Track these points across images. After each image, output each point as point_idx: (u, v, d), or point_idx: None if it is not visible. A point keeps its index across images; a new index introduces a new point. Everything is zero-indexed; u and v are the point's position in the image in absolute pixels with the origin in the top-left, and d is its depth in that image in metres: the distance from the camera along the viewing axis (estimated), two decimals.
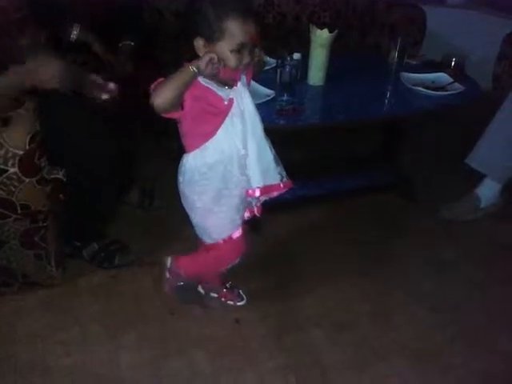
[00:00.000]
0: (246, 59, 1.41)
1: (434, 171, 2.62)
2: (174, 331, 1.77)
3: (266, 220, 2.16)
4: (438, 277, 2.07)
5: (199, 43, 1.41)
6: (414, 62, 2.40)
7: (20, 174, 1.57)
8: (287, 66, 1.97)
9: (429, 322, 1.87)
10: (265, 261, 2.05)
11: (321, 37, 2.05)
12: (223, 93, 1.46)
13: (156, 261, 1.99)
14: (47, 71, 1.59)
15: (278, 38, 2.39)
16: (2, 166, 1.54)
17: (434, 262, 2.14)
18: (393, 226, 2.35)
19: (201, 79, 1.41)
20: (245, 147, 1.51)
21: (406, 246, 2.22)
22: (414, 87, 2.17)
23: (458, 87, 2.20)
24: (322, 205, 2.39)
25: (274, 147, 1.59)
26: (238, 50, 1.38)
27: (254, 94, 1.95)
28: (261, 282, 1.97)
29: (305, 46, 2.10)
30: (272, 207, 2.22)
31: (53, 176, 1.73)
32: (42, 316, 1.79)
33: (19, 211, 1.65)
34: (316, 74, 2.11)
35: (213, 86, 1.44)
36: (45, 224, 1.76)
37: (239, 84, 1.48)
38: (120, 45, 2.08)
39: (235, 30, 1.36)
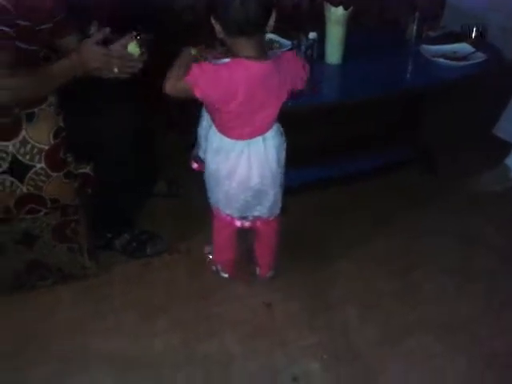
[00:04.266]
0: None
1: (458, 144, 2.57)
2: (205, 315, 1.80)
3: (289, 202, 2.18)
4: (465, 250, 2.05)
5: (217, 27, 1.45)
6: (434, 34, 2.35)
7: (47, 169, 1.61)
8: (303, 47, 1.97)
9: (457, 296, 1.86)
10: (290, 243, 2.05)
11: (336, 14, 2.02)
12: None
13: (186, 248, 2.04)
14: (95, 57, 1.63)
15: (293, 19, 2.36)
16: (29, 162, 1.58)
17: (462, 235, 2.12)
18: (417, 201, 2.32)
19: None
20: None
21: (432, 220, 2.21)
22: (434, 59, 2.13)
23: (480, 56, 2.15)
24: (344, 185, 2.37)
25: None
26: None
27: None
28: (289, 264, 1.98)
29: (321, 26, 2.08)
30: (294, 189, 2.25)
31: (80, 171, 1.78)
32: (79, 306, 1.85)
33: (49, 205, 1.69)
34: (333, 53, 2.09)
35: None
36: (75, 217, 1.81)
37: None
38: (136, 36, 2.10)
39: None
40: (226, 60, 1.48)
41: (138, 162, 1.97)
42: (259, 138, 1.58)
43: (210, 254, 1.98)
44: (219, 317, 1.80)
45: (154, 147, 2.25)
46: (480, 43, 2.23)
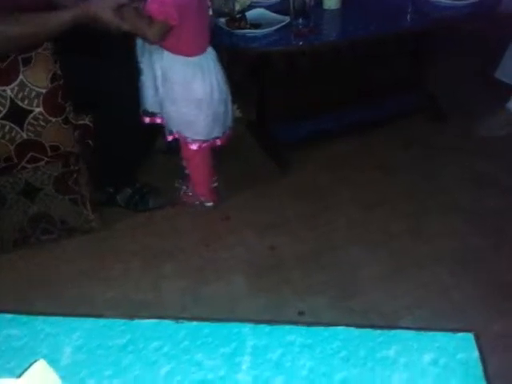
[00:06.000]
0: None
1: (460, 89, 2.55)
2: (211, 260, 1.81)
3: (294, 155, 2.18)
4: (475, 190, 2.03)
5: None
6: None
7: (45, 114, 1.60)
8: None
9: (469, 233, 1.85)
10: (295, 193, 2.06)
11: None
12: None
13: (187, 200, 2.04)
14: (104, 6, 1.58)
15: None
16: (28, 107, 1.58)
17: (471, 177, 2.10)
18: (424, 147, 2.30)
19: None
20: None
21: (440, 164, 2.18)
22: None
23: None
24: (349, 136, 2.34)
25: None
26: None
27: (268, 21, 1.97)
28: (294, 209, 1.98)
29: None
30: (298, 142, 2.24)
31: (80, 122, 1.77)
32: (84, 258, 1.85)
33: (49, 153, 1.69)
34: None
35: None
36: (76, 167, 1.80)
37: None
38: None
39: None
40: None
41: (138, 116, 1.95)
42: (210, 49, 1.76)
43: (187, 192, 2.01)
44: (225, 261, 1.80)
45: None
46: None
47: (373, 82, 2.45)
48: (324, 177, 2.16)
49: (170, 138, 1.89)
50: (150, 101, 1.83)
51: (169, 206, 2.05)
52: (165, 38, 1.66)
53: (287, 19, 1.95)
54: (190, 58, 1.73)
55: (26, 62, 1.56)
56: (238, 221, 1.96)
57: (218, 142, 1.89)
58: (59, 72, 1.61)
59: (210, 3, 1.86)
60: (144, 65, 1.79)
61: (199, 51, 1.75)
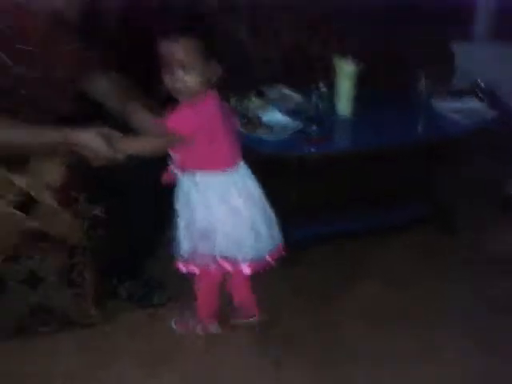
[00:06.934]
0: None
1: (471, 202, 2.53)
2: (212, 370, 1.74)
3: (299, 254, 2.15)
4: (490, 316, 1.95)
5: None
6: (444, 90, 2.39)
7: (56, 206, 1.62)
8: (314, 98, 2.01)
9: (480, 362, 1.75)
10: (298, 296, 2.03)
11: (346, 69, 2.09)
12: None
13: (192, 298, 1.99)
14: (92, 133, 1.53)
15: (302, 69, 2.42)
16: (38, 197, 1.59)
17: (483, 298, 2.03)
18: (434, 260, 2.25)
19: None
20: None
21: (450, 280, 2.13)
22: (445, 114, 2.17)
23: (491, 113, 2.18)
24: (354, 240, 2.31)
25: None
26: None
27: (282, 127, 2.01)
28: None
29: (330, 76, 2.13)
30: (306, 243, 2.22)
31: (92, 212, 1.78)
32: (80, 355, 1.78)
33: (56, 244, 1.68)
34: (343, 106, 2.13)
35: None
36: (82, 260, 1.79)
37: None
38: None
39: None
40: None
41: (155, 209, 1.96)
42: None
43: (190, 320, 1.89)
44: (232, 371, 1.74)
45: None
46: (490, 100, 2.26)
47: (383, 188, 2.46)
48: (326, 282, 2.11)
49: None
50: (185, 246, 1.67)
51: (173, 302, 1.99)
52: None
53: (300, 125, 2.00)
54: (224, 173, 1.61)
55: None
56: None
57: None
58: (74, 162, 1.64)
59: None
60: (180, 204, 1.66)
61: (231, 165, 1.62)
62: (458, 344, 1.82)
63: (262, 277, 2.02)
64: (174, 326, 1.89)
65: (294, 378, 1.71)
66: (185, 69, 1.44)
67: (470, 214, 2.48)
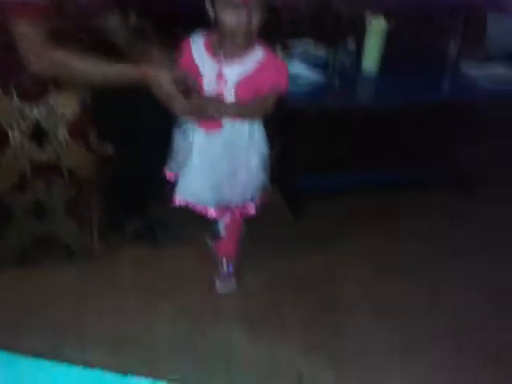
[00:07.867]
0: None
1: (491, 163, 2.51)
2: (211, 306, 1.77)
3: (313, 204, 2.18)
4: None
5: None
6: (474, 54, 2.31)
7: (68, 138, 1.59)
8: (340, 54, 1.95)
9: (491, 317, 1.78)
10: (305, 244, 2.04)
11: (376, 26, 2.02)
12: None
13: (195, 237, 2.01)
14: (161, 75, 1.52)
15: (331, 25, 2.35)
16: (52, 129, 1.57)
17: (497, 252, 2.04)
18: (447, 220, 2.25)
19: None
20: None
21: (464, 239, 2.13)
22: (472, 77, 2.12)
23: None
24: (371, 195, 2.29)
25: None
26: None
27: (305, 80, 1.96)
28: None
29: (358, 32, 2.06)
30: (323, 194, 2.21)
31: (102, 149, 1.75)
32: (82, 284, 1.81)
33: (66, 177, 1.67)
34: (370, 63, 2.06)
35: None
36: (90, 194, 1.78)
37: None
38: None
39: None
40: None
41: (163, 148, 1.93)
42: None
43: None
44: (226, 307, 1.77)
45: None
46: None
47: (402, 146, 2.44)
48: (335, 232, 2.13)
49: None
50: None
51: (178, 241, 2.00)
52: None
53: (324, 79, 1.95)
54: None
55: (57, 85, 1.56)
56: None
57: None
58: (89, 99, 1.61)
59: None
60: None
61: None
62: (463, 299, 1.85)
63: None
64: (208, 242, 1.96)
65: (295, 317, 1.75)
66: (254, 9, 1.40)
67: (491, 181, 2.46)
